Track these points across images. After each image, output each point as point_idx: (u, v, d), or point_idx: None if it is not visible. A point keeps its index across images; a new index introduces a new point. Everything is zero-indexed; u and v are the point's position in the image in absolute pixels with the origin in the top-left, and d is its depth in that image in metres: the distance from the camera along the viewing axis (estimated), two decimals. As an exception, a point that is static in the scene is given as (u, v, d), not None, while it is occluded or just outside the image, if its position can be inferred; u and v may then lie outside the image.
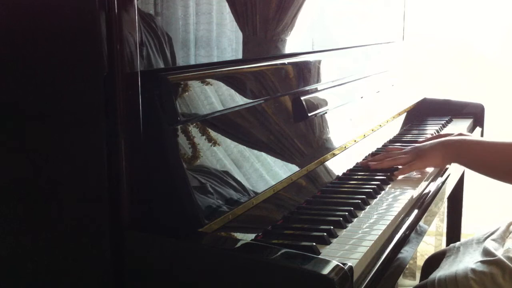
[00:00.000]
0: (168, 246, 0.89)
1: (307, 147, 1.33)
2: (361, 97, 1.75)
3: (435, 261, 1.58)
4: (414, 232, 1.18)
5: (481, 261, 1.29)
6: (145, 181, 0.93)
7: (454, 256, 1.47)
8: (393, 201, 1.23)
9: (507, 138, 1.67)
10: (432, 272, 1.41)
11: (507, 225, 1.46)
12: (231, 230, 0.98)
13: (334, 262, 0.82)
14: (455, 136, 1.50)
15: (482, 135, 2.21)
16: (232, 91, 1.13)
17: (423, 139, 1.69)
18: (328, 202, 1.21)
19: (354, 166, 1.47)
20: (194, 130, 1.01)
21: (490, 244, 1.37)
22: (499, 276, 1.24)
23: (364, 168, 1.43)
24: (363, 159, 1.52)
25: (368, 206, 1.19)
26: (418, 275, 2.47)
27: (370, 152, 1.62)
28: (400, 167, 1.41)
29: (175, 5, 1.03)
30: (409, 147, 1.48)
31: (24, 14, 0.93)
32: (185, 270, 0.88)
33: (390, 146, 1.59)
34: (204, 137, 1.03)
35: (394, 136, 1.89)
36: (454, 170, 1.65)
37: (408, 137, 1.89)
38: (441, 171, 1.57)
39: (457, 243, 1.56)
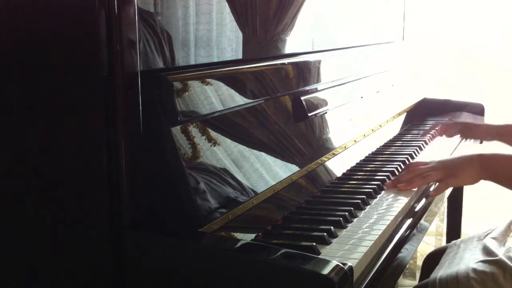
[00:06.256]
0: (168, 246, 0.89)
1: (307, 147, 1.33)
2: (361, 97, 1.75)
3: (435, 258, 1.57)
4: (414, 232, 1.18)
5: (482, 261, 1.29)
6: (145, 181, 0.93)
7: (454, 252, 1.47)
8: (393, 201, 1.23)
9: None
10: (433, 269, 1.41)
11: (507, 223, 1.46)
12: (231, 230, 0.98)
13: (334, 262, 0.82)
14: (488, 152, 1.36)
15: (482, 135, 2.21)
16: (232, 91, 1.13)
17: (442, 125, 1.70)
18: (328, 202, 1.21)
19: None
20: (194, 130, 1.01)
21: (490, 243, 1.36)
22: (500, 276, 1.24)
23: (390, 189, 1.32)
24: (381, 176, 1.39)
25: (368, 206, 1.19)
26: (418, 275, 2.46)
27: (371, 152, 1.62)
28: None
29: (175, 5, 1.03)
30: (434, 161, 1.37)
31: (24, 14, 0.93)
32: (185, 270, 0.88)
33: (412, 162, 1.43)
34: (204, 137, 1.03)
35: (394, 136, 1.89)
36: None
37: (408, 137, 1.89)
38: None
39: (458, 240, 1.55)
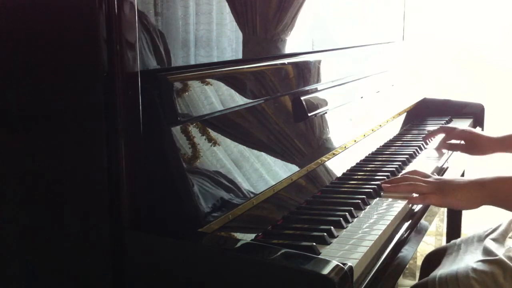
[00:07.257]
0: (168, 246, 0.89)
1: (307, 147, 1.33)
2: (361, 97, 1.75)
3: (435, 258, 1.57)
4: (414, 232, 1.18)
5: (482, 261, 1.29)
6: (145, 181, 0.93)
7: (455, 253, 1.47)
8: (393, 201, 1.23)
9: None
10: (432, 269, 1.41)
11: (507, 223, 1.46)
12: (231, 230, 0.98)
13: (334, 262, 0.82)
14: (490, 176, 1.28)
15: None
16: (232, 91, 1.13)
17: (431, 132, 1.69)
18: (328, 202, 1.21)
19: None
20: (194, 130, 1.01)
21: (490, 244, 1.37)
22: (500, 276, 1.24)
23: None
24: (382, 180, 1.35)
25: (368, 206, 1.19)
26: (418, 275, 2.46)
27: (371, 152, 1.62)
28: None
29: (175, 5, 1.03)
30: (435, 177, 1.30)
31: (24, 14, 0.93)
32: (185, 270, 0.88)
33: (416, 170, 1.35)
34: (204, 137, 1.03)
35: (394, 136, 1.89)
36: (454, 169, 1.65)
37: (408, 137, 1.89)
38: (440, 171, 1.57)
39: (458, 240, 1.55)
